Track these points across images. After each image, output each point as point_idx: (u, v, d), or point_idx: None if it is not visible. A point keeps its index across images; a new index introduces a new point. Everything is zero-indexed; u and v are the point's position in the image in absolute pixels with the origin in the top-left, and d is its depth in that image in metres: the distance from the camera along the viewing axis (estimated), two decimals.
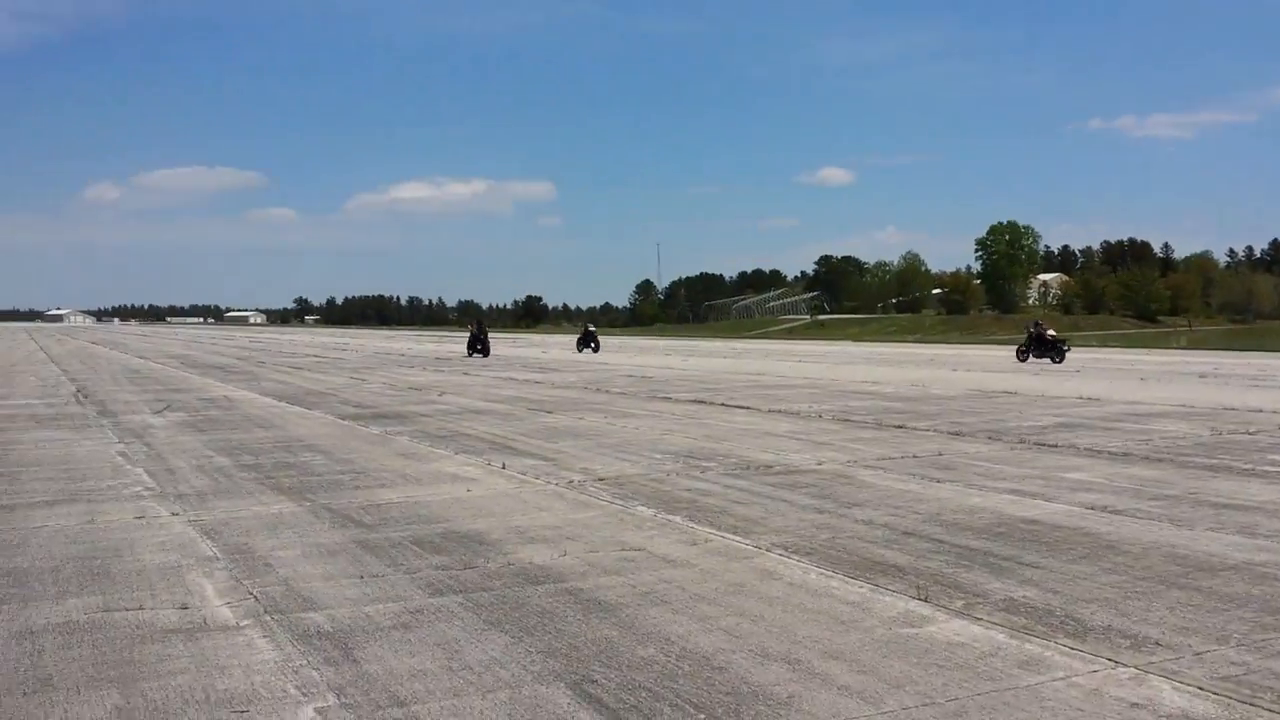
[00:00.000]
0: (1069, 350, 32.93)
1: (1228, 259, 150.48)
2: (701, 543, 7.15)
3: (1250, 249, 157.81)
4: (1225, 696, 4.30)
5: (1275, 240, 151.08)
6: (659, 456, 11.40)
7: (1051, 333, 33.44)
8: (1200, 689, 4.39)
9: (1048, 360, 31.98)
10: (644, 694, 4.31)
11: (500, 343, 53.30)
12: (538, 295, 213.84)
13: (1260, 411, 16.62)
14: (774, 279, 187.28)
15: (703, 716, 4.08)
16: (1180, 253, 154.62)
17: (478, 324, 41.47)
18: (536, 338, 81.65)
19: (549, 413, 16.64)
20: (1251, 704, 4.22)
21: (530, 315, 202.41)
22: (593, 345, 45.72)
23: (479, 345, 39.16)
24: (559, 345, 54.67)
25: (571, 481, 9.73)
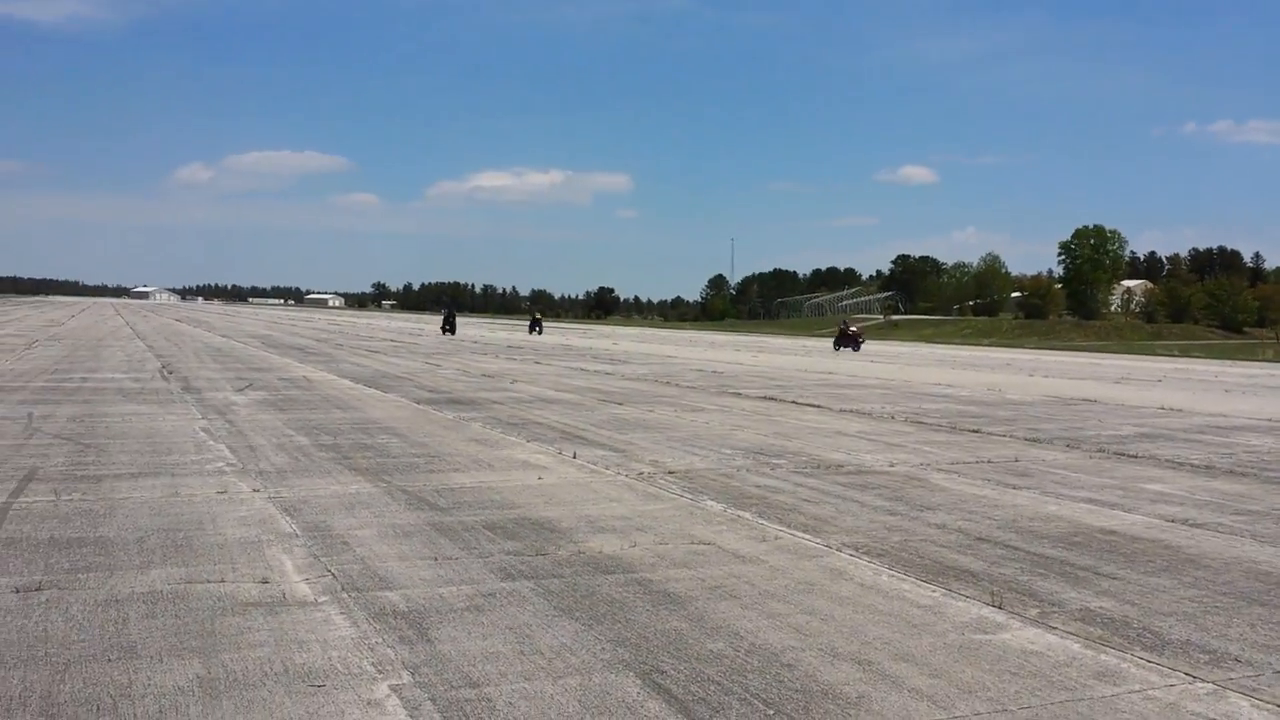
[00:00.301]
0: (864, 342, 47.81)
1: None
2: (771, 539, 7.14)
3: None
4: None
5: None
6: (729, 452, 11.39)
7: (854, 329, 48.21)
8: (1278, 707, 4.28)
9: (849, 349, 45.15)
10: (713, 687, 4.33)
11: (476, 327, 54.00)
12: (610, 287, 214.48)
13: None
14: (848, 277, 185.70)
15: (771, 712, 4.09)
16: (1272, 263, 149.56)
17: (449, 309, 59.09)
18: (504, 321, 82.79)
19: (619, 404, 16.71)
20: None
21: (601, 306, 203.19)
22: (538, 329, 59.30)
23: (449, 326, 53.60)
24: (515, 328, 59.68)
25: (641, 473, 9.78)
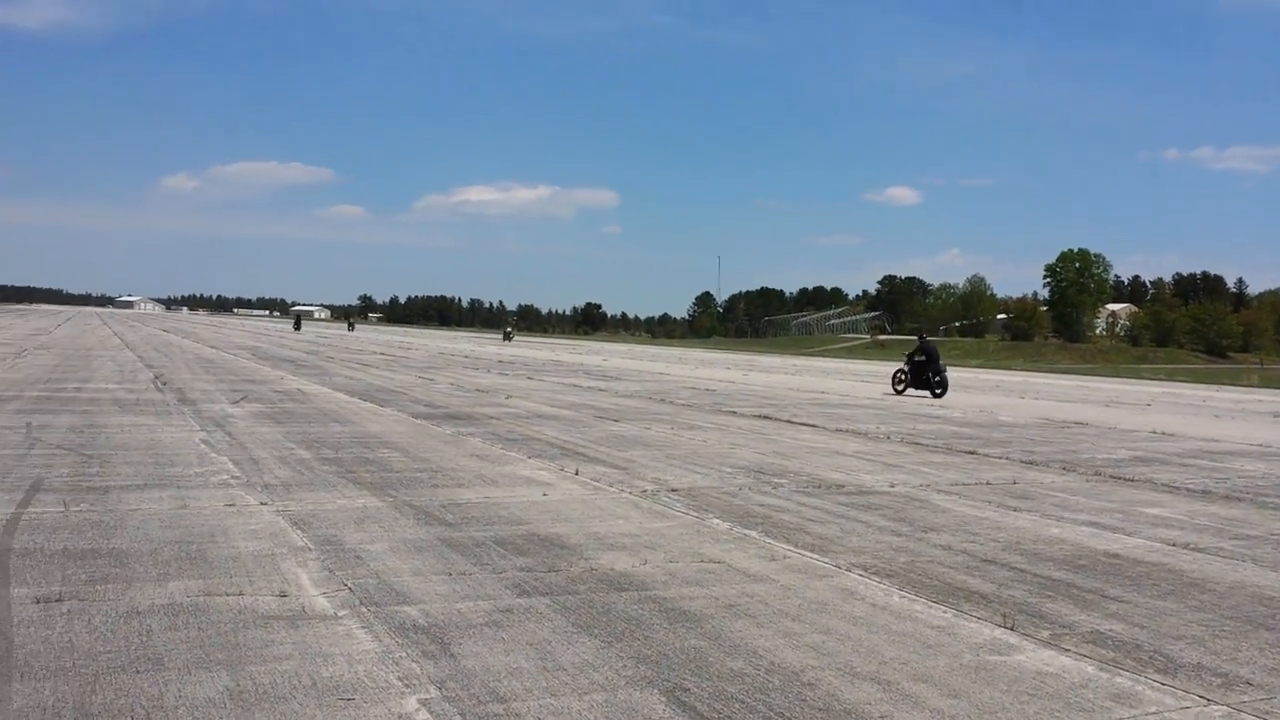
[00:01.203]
0: (513, 336, 79.27)
1: None
2: (780, 559, 7.19)
3: None
4: None
5: None
6: (729, 470, 11.45)
7: (509, 329, 79.18)
8: None
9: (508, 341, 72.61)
10: (737, 705, 4.38)
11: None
12: (597, 303, 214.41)
13: None
14: (835, 297, 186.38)
15: None
16: (1254, 288, 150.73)
17: (297, 315, 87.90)
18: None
19: (615, 421, 16.76)
20: None
21: (588, 322, 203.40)
22: (298, 328, 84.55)
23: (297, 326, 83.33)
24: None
25: (645, 490, 9.82)
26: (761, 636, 5.37)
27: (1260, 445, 17.39)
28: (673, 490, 9.92)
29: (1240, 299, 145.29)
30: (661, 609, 5.80)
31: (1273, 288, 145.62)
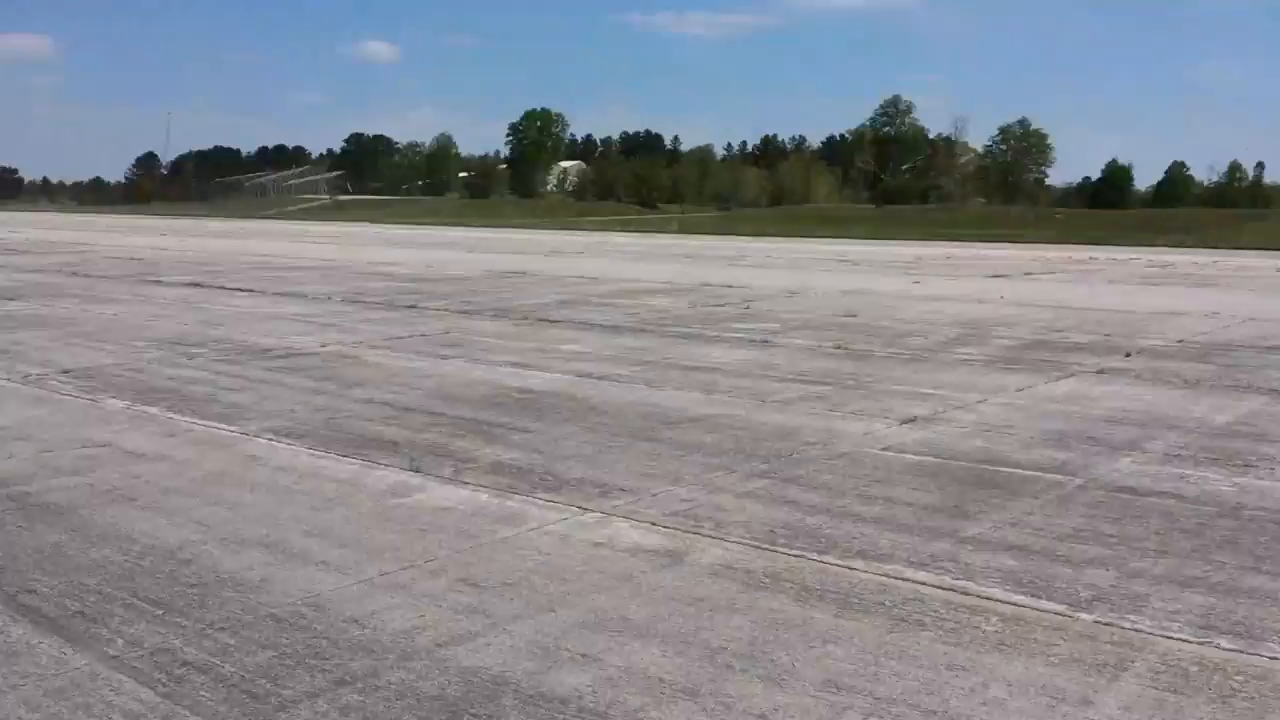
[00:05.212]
0: None
1: (724, 152, 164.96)
2: (180, 433, 6.59)
3: (744, 144, 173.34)
4: (673, 529, 4.77)
5: (764, 136, 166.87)
6: (141, 344, 10.36)
7: None
8: (653, 524, 4.84)
9: None
10: (93, 598, 3.87)
11: None
12: (13, 167, 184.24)
13: (730, 287, 18.74)
14: (298, 157, 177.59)
15: (160, 612, 3.75)
16: (687, 145, 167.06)
17: None
18: None
19: (10, 299, 14.50)
20: (694, 533, 4.72)
21: (2, 187, 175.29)
22: None
23: None
24: None
25: (27, 376, 8.54)
26: (140, 520, 4.84)
27: (669, 283, 19.52)
28: (65, 371, 8.73)
29: (674, 155, 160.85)
30: (19, 506, 5.02)
31: (702, 144, 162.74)
